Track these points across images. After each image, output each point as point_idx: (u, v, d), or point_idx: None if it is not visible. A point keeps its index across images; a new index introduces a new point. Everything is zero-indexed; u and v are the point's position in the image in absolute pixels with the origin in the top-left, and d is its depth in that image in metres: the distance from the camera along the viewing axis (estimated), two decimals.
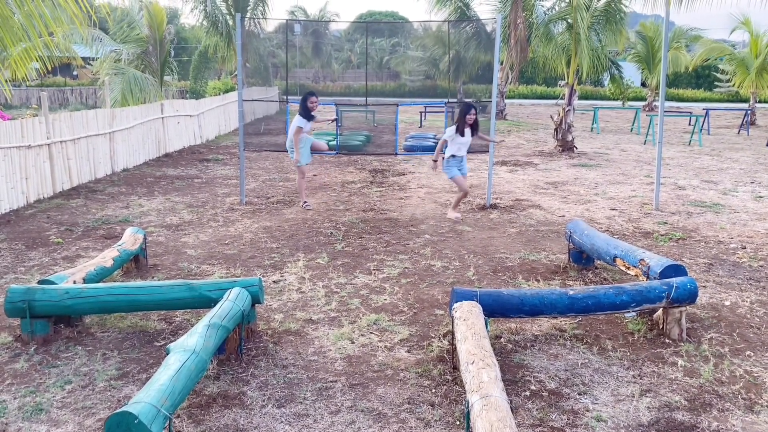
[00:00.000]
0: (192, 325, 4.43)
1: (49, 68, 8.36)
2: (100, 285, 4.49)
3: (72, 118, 9.97)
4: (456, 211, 8.02)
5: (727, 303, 5.07)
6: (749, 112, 20.84)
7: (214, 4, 19.54)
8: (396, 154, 11.22)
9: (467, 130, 7.73)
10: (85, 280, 4.67)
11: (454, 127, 7.72)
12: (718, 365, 3.98)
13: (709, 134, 19.09)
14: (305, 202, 8.52)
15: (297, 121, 8.27)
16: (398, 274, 5.76)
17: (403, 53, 42.63)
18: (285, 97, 10.93)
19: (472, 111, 7.74)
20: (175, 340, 4.13)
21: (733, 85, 23.95)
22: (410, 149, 14.22)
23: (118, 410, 2.56)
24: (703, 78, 42.37)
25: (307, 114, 8.31)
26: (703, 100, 39.26)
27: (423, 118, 22.24)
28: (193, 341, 3.29)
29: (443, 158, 7.83)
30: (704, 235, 7.22)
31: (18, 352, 4.09)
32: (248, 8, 20.37)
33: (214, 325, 3.56)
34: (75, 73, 38.66)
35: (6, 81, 8.65)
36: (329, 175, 11.38)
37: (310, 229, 7.35)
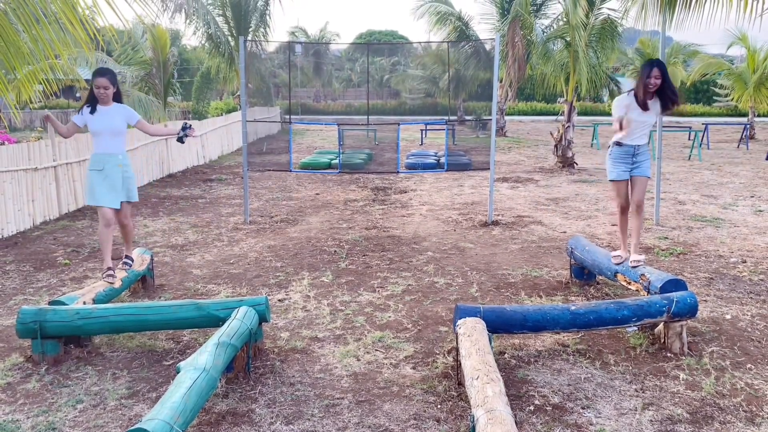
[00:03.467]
0: (200, 344, 4.50)
1: (56, 91, 8.50)
2: (110, 305, 4.56)
3: (77, 141, 10.09)
4: (624, 250, 5.40)
5: (728, 317, 5.12)
6: (748, 126, 21.00)
7: (216, 26, 19.80)
8: (398, 172, 11.33)
9: (651, 102, 5.03)
10: (95, 301, 4.75)
11: (624, 96, 5.17)
12: (720, 378, 4.03)
13: (708, 149, 19.21)
14: (108, 269, 5.28)
15: (75, 116, 5.47)
16: (402, 291, 5.83)
17: (403, 72, 42.97)
18: (288, 117, 11.07)
19: (655, 70, 4.93)
20: (184, 358, 4.19)
21: (732, 99, 24.15)
22: (412, 167, 14.35)
23: (133, 427, 2.63)
24: (701, 93, 42.67)
25: (93, 102, 5.38)
26: (702, 114, 39.49)
27: (424, 136, 22.41)
28: (203, 359, 3.35)
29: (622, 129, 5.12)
30: (705, 250, 7.28)
31: (29, 372, 4.15)
32: (250, 30, 20.63)
33: (223, 343, 3.62)
34: (78, 95, 39.00)
35: (14, 104, 8.80)
36: (332, 194, 11.47)
37: (313, 248, 7.42)
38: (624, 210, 5.44)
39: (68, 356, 4.35)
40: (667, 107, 5.09)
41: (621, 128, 5.11)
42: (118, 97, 5.54)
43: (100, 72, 5.48)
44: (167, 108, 17.72)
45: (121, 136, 5.48)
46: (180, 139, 5.64)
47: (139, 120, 5.58)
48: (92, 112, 5.37)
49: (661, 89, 5.03)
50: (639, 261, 5.20)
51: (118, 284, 5.23)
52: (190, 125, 5.67)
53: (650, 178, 5.38)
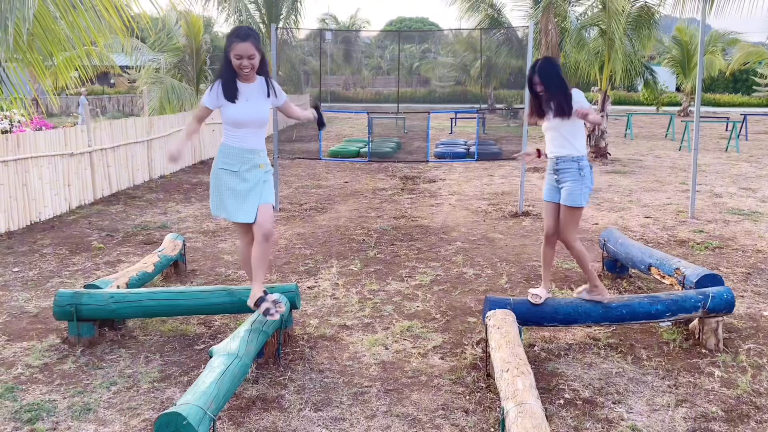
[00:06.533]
0: (230, 330, 4.55)
1: (91, 77, 8.62)
2: (143, 290, 4.64)
3: (112, 127, 10.26)
4: (545, 287, 4.47)
5: (766, 313, 4.99)
6: None
7: (248, 13, 19.86)
8: (427, 161, 11.27)
9: (549, 112, 4.29)
10: (128, 285, 4.83)
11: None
12: (756, 376, 3.94)
13: (747, 140, 18.71)
14: (260, 299, 3.95)
15: (206, 98, 3.85)
16: (430, 281, 5.81)
17: (434, 59, 42.70)
18: (317, 103, 11.06)
19: (535, 77, 4.27)
20: (215, 343, 4.26)
21: None
22: (441, 156, 14.27)
23: (168, 411, 2.67)
24: (740, 82, 41.57)
25: (229, 82, 3.79)
26: (740, 104, 38.47)
27: (453, 125, 22.25)
28: (235, 345, 3.39)
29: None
30: (742, 244, 7.11)
31: (66, 353, 4.25)
32: (281, 17, 20.65)
33: (255, 329, 3.66)
34: (112, 81, 39.62)
35: (52, 90, 8.97)
36: (360, 182, 11.48)
37: (342, 236, 7.44)
38: (547, 238, 4.48)
39: (103, 339, 4.44)
40: (562, 113, 4.22)
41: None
42: (262, 67, 3.87)
43: (241, 34, 3.68)
44: (200, 95, 17.88)
45: (265, 126, 3.98)
46: (320, 123, 4.48)
47: (286, 100, 4.10)
48: (231, 96, 3.78)
49: (547, 92, 4.28)
50: (538, 296, 4.27)
51: (276, 317, 3.90)
52: (318, 105, 4.54)
53: (576, 208, 4.26)
